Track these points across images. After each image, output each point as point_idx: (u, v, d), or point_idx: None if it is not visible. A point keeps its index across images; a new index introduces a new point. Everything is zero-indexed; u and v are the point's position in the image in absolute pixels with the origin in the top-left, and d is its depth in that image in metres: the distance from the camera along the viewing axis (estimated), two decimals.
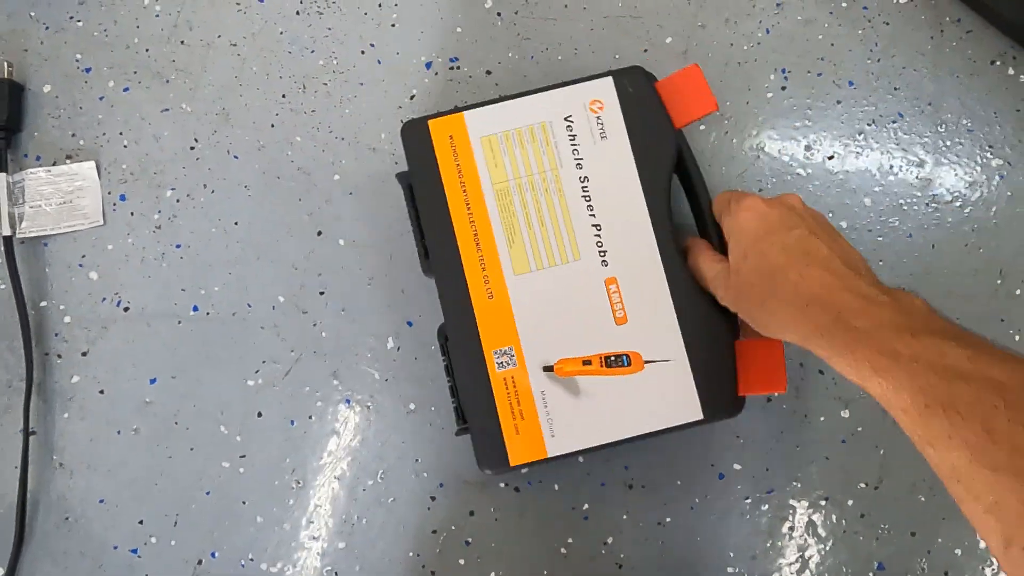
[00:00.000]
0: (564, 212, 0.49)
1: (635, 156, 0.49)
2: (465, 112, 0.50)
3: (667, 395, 0.47)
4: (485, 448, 0.47)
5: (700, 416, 0.47)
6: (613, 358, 0.47)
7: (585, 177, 0.49)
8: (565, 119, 0.50)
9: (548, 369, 0.47)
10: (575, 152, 0.49)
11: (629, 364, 0.47)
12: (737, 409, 0.47)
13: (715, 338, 0.47)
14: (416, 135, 0.50)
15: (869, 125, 0.58)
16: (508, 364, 0.47)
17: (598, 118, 0.50)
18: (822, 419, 0.54)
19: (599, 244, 0.48)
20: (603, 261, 0.48)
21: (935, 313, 0.36)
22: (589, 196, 0.49)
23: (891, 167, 0.57)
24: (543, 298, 0.48)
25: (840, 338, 0.35)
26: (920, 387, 0.32)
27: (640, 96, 0.50)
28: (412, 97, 0.59)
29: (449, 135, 0.50)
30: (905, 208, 0.57)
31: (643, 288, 0.48)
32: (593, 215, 0.49)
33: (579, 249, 0.48)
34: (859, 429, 0.54)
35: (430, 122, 0.50)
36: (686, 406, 0.47)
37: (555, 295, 0.48)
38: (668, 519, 0.53)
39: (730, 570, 0.53)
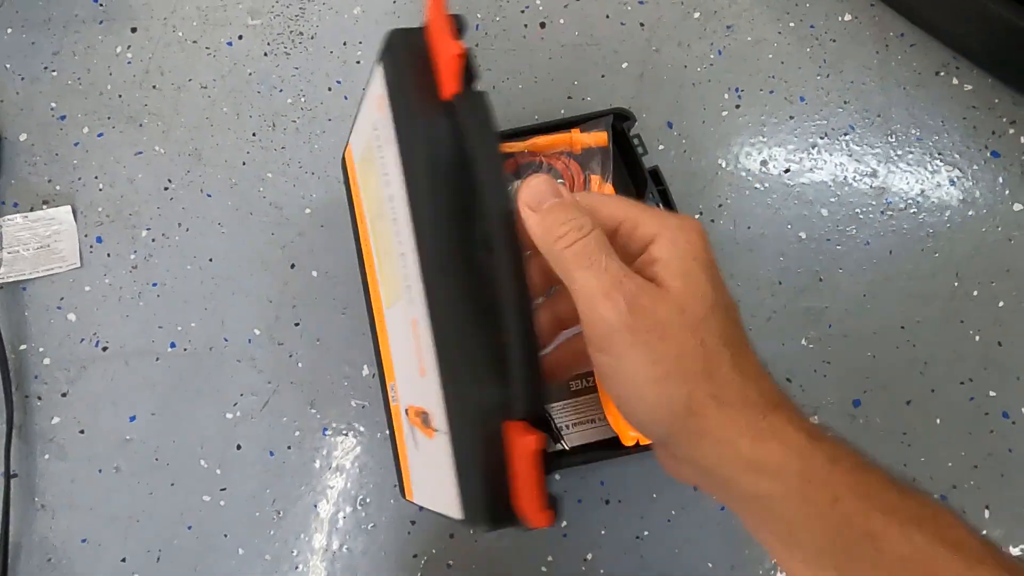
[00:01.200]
0: (388, 240, 0.38)
1: (400, 150, 0.34)
2: (351, 137, 0.45)
3: (442, 475, 0.34)
4: (398, 476, 0.46)
5: (458, 515, 0.32)
6: (423, 414, 0.37)
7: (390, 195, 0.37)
8: (374, 128, 0.38)
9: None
10: (382, 164, 0.38)
11: (429, 425, 0.36)
12: (509, 520, 0.30)
13: (487, 413, 0.30)
14: (343, 166, 0.49)
15: (822, 138, 0.60)
16: (394, 399, 0.44)
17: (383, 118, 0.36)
18: None
19: (404, 276, 0.36)
20: (409, 297, 0.36)
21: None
22: (395, 217, 0.36)
23: (845, 178, 0.59)
24: (395, 335, 0.40)
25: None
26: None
27: (402, 67, 0.33)
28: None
29: (351, 163, 0.47)
30: (861, 217, 0.58)
31: (422, 331, 0.34)
32: (400, 241, 0.36)
33: (400, 282, 0.37)
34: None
35: (346, 149, 0.48)
36: (449, 495, 0.33)
37: (396, 333, 0.40)
38: (646, 532, 0.54)
39: None
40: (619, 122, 0.56)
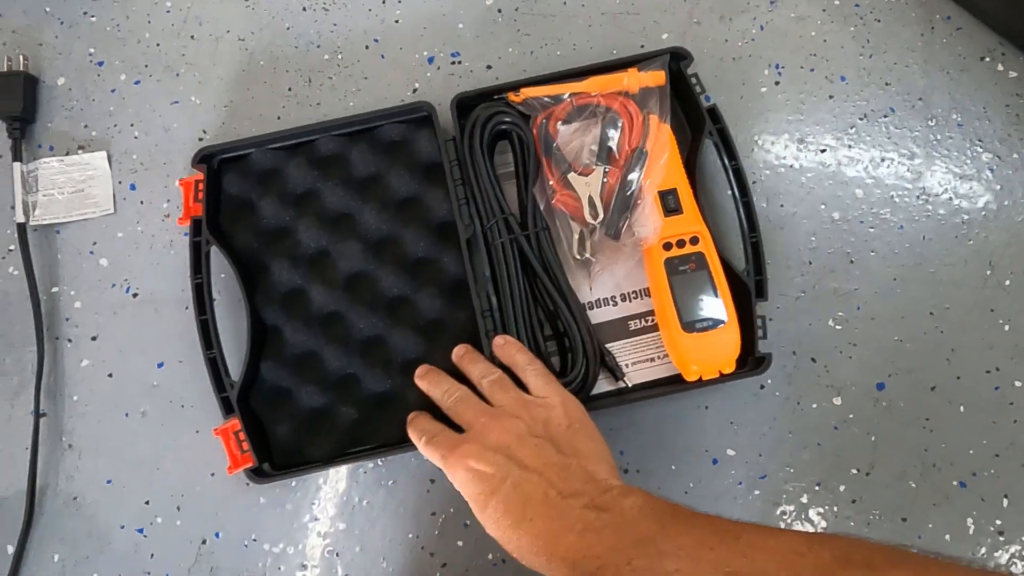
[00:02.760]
0: None
1: None
2: None
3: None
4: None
5: None
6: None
7: None
8: None
9: None
10: None
11: None
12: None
13: None
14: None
15: (861, 119, 0.59)
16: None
17: None
18: (814, 406, 0.55)
19: None
20: None
21: (645, 512, 0.39)
22: None
23: (882, 160, 0.58)
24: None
25: None
26: None
27: None
28: (414, 90, 0.60)
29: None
30: (896, 200, 0.58)
31: None
32: None
33: None
34: (850, 416, 0.55)
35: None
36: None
37: None
38: None
39: None
40: (676, 62, 0.55)
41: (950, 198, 0.58)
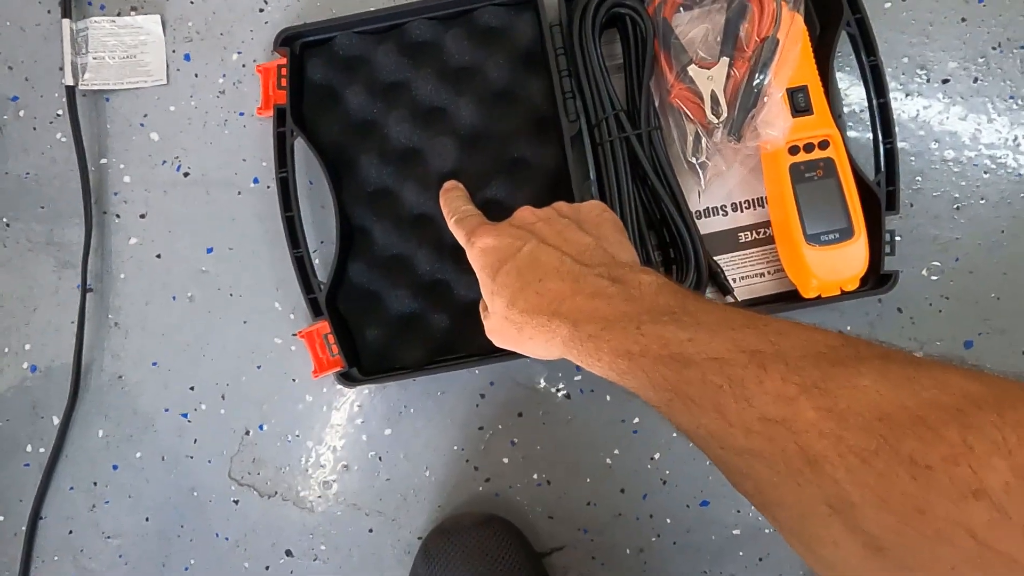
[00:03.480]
0: None
1: None
2: None
3: None
4: None
5: None
6: None
7: None
8: None
9: None
10: None
11: None
12: None
13: None
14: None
15: (994, 48, 0.52)
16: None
17: None
18: None
19: None
20: None
21: (663, 289, 0.34)
22: None
23: (1011, 97, 0.52)
24: None
25: (583, 348, 0.34)
26: (657, 382, 0.30)
27: None
28: None
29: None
30: (1020, 144, 0.52)
31: None
32: None
33: None
34: None
35: None
36: None
37: None
38: None
39: None
40: None
41: None
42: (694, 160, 0.49)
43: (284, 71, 0.50)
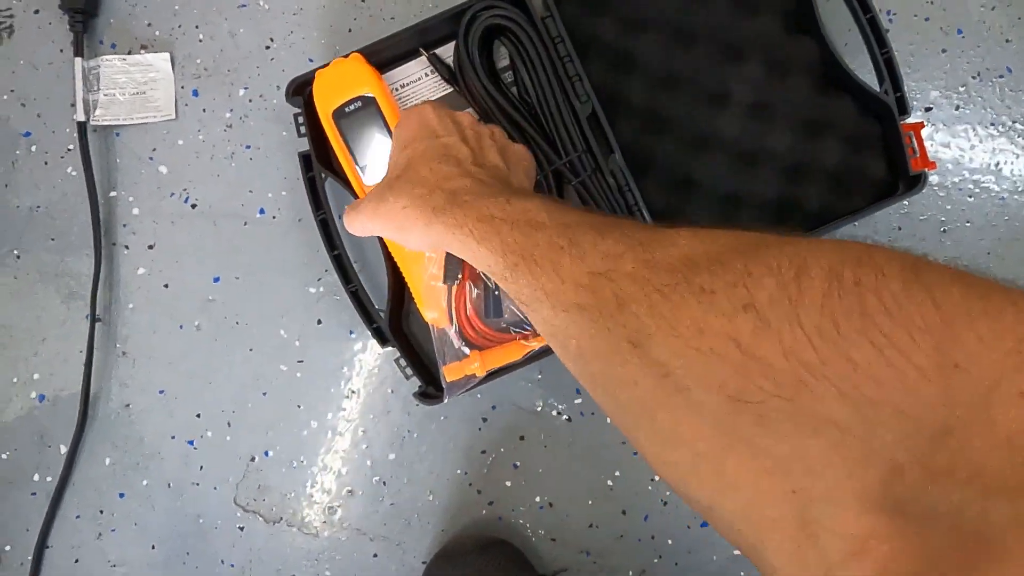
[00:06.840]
0: None
1: None
2: None
3: None
4: None
5: None
6: None
7: None
8: None
9: None
10: None
11: None
12: None
13: None
14: None
15: (974, 78, 0.54)
16: None
17: None
18: None
19: None
20: None
21: (555, 207, 0.34)
22: None
23: (992, 124, 0.54)
24: None
25: (451, 214, 0.35)
26: (509, 246, 0.32)
27: None
28: None
29: None
30: (1002, 169, 0.54)
31: None
32: None
33: None
34: None
35: None
36: None
37: None
38: None
39: None
40: None
41: None
42: None
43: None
